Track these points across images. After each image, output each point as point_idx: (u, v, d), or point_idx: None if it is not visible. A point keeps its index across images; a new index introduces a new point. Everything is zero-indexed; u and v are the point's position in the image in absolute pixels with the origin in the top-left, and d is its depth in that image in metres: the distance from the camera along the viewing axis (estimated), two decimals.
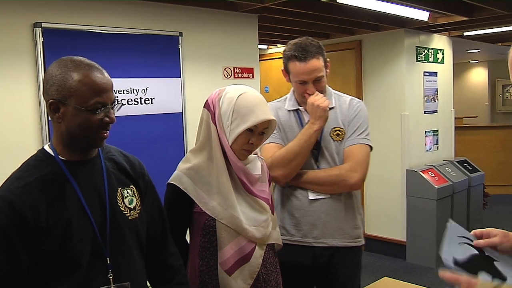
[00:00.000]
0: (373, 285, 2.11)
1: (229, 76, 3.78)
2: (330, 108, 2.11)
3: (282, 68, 2.13)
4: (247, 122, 1.63)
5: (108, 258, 1.38)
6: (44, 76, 1.36)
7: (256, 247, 1.72)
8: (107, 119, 1.35)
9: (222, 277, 1.67)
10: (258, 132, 1.69)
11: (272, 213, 1.81)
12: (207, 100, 1.73)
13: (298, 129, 2.10)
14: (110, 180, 1.44)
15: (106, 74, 1.37)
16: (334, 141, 2.09)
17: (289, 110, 2.16)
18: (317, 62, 2.02)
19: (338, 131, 2.10)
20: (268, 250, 1.78)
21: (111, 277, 1.37)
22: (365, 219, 2.26)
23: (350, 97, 2.21)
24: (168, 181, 1.70)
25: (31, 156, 1.40)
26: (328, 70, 2.11)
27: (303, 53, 2.00)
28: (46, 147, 1.40)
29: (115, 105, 1.39)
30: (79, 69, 1.31)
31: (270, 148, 2.07)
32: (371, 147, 2.11)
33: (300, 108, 2.14)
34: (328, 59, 2.10)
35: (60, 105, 1.31)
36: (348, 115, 2.12)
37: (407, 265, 4.83)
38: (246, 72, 3.89)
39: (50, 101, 1.31)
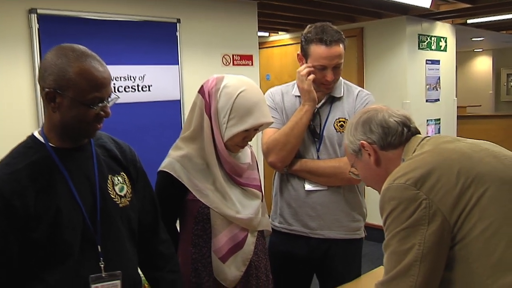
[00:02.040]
0: (370, 273, 2.10)
1: (228, 64, 3.75)
2: (338, 98, 2.08)
3: (299, 52, 2.07)
4: (245, 124, 1.61)
5: (99, 246, 1.37)
6: (42, 62, 1.33)
7: (248, 234, 1.71)
8: (102, 113, 1.34)
9: (216, 265, 1.66)
10: (253, 130, 1.68)
11: (262, 199, 1.80)
12: (202, 86, 1.69)
13: None
14: (101, 167, 1.43)
15: (106, 67, 1.34)
16: (337, 132, 2.05)
17: (296, 96, 2.12)
18: (339, 48, 1.98)
19: (342, 122, 2.05)
20: (258, 237, 1.77)
21: (102, 265, 1.36)
22: (366, 206, 2.24)
23: (360, 88, 2.16)
24: (160, 168, 1.68)
25: (21, 143, 1.39)
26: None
27: (327, 37, 1.95)
28: (36, 134, 1.38)
29: (111, 99, 1.36)
30: (79, 61, 1.28)
31: (268, 133, 2.05)
32: None
33: None
34: (345, 47, 2.04)
35: (57, 95, 1.28)
36: (354, 106, 2.07)
37: None
38: (245, 60, 3.86)
39: (47, 90, 1.29)
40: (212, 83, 1.66)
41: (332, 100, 2.09)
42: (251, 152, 1.83)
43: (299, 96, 2.09)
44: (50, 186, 1.30)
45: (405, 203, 1.17)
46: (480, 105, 9.13)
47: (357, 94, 2.11)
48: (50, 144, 1.35)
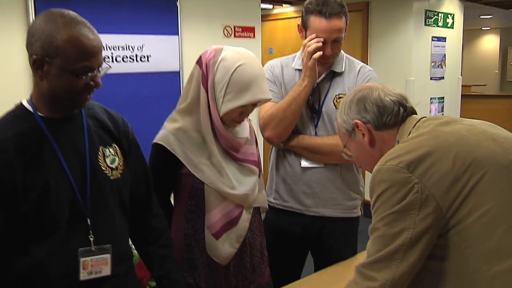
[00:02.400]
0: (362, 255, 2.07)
1: (229, 35, 3.67)
2: (339, 73, 2.01)
3: (299, 23, 2.00)
4: (242, 99, 1.55)
5: (88, 219, 1.34)
6: (30, 27, 1.27)
7: (243, 211, 1.67)
8: (92, 83, 1.28)
9: (209, 241, 1.63)
10: (251, 106, 1.62)
11: (259, 175, 1.76)
12: (200, 57, 1.63)
13: None
14: (92, 139, 1.38)
15: (97, 35, 1.28)
16: (337, 108, 1.98)
17: (296, 69, 2.05)
18: (340, 22, 1.89)
19: (342, 98, 1.99)
20: (253, 214, 1.74)
21: (91, 239, 1.33)
22: (364, 184, 2.20)
23: (362, 63, 2.09)
24: (154, 141, 1.63)
25: (8, 111, 1.34)
26: (345, 33, 1.97)
27: (328, 9, 1.87)
28: (24, 102, 1.34)
29: (102, 69, 1.31)
30: (68, 28, 1.22)
31: (266, 107, 1.99)
32: None
33: None
34: (348, 20, 1.96)
35: (44, 63, 1.23)
36: (356, 82, 2.00)
37: None
38: (247, 32, 3.77)
39: (34, 57, 1.23)
40: (211, 55, 1.60)
41: (333, 75, 2.03)
42: (250, 126, 1.78)
43: (299, 70, 2.03)
44: (38, 158, 1.26)
45: (396, 186, 1.13)
46: (485, 85, 9.02)
47: (359, 70, 2.04)
48: (39, 114, 1.31)
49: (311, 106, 2.00)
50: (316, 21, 1.89)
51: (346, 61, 2.06)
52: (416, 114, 1.36)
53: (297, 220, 2.07)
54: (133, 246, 1.58)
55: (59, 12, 1.26)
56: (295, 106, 1.93)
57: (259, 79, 1.57)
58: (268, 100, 1.64)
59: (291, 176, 2.05)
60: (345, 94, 1.99)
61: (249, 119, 1.80)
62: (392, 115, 1.32)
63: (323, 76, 2.01)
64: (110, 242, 1.37)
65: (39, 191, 1.25)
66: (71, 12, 1.27)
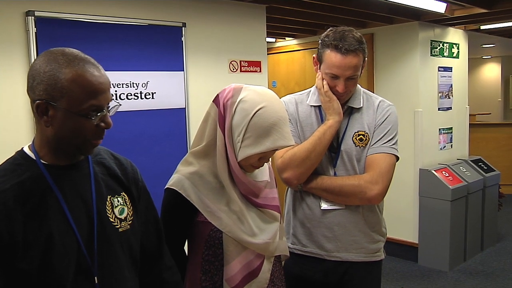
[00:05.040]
0: None
1: (235, 70, 3.59)
2: (357, 109, 1.91)
3: (315, 55, 1.91)
4: (262, 146, 1.42)
5: (95, 277, 1.21)
6: (30, 70, 1.17)
7: (264, 260, 1.54)
8: (103, 124, 1.19)
9: None
10: (271, 151, 1.49)
11: (281, 221, 1.63)
12: (218, 96, 1.51)
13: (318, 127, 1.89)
14: (99, 188, 1.27)
15: (103, 72, 1.19)
16: (356, 146, 1.88)
17: (311, 106, 1.95)
18: (356, 59, 1.78)
19: (361, 136, 1.88)
20: (275, 263, 1.60)
21: None
22: (385, 225, 2.06)
23: (381, 98, 1.98)
24: (167, 186, 1.51)
25: (8, 159, 1.23)
26: (363, 69, 1.87)
27: (345, 44, 1.76)
28: (26, 149, 1.23)
29: (111, 108, 1.21)
30: (72, 66, 1.13)
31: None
32: (397, 158, 1.89)
33: None
34: (366, 57, 1.86)
35: (49, 107, 1.13)
36: (375, 118, 1.90)
37: (419, 268, 4.64)
38: (253, 66, 3.69)
39: (38, 102, 1.13)
40: (229, 94, 1.47)
41: (351, 111, 1.93)
42: (269, 168, 1.66)
43: (315, 106, 1.93)
44: (41, 210, 1.15)
45: None
46: (490, 113, 8.96)
47: (378, 105, 1.93)
48: (42, 161, 1.20)
49: (330, 145, 1.88)
50: (332, 56, 1.80)
51: (364, 96, 1.96)
52: None
53: (318, 266, 1.93)
54: None
55: (60, 51, 1.17)
56: (319, 147, 1.82)
57: (280, 124, 1.44)
58: (290, 146, 1.51)
59: (310, 219, 1.91)
60: (364, 131, 1.89)
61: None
62: None
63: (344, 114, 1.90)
64: None
65: (41, 247, 1.13)
66: (73, 49, 1.19)
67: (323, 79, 1.87)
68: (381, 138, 1.88)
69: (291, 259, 1.93)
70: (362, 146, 1.88)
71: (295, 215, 1.97)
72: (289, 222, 2.00)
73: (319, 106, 1.93)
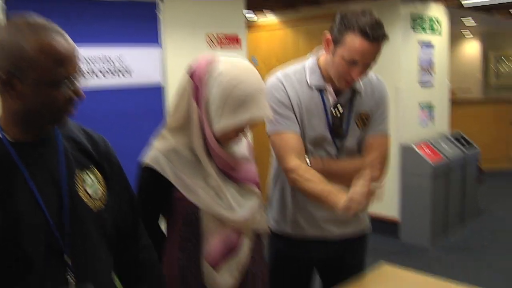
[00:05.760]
0: (373, 274, 1.93)
1: (214, 46, 3.51)
2: (358, 91, 1.84)
3: (328, 34, 1.73)
4: (239, 118, 1.37)
5: (67, 257, 1.16)
6: None
7: (245, 238, 1.50)
8: (74, 95, 1.14)
9: (207, 272, 1.46)
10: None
11: (259, 196, 1.59)
12: (192, 68, 1.45)
13: (323, 112, 1.80)
14: (69, 164, 1.21)
15: (69, 40, 1.13)
16: (359, 128, 1.84)
17: (312, 88, 1.81)
18: (380, 47, 1.68)
19: (364, 117, 1.84)
20: (256, 240, 1.57)
21: (70, 278, 1.15)
22: None
23: (373, 74, 1.90)
24: (142, 162, 1.46)
25: None
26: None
27: (373, 32, 1.63)
28: None
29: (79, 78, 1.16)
30: (38, 35, 1.07)
31: (288, 141, 1.76)
32: None
33: (326, 87, 1.80)
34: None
35: (15, 80, 1.07)
36: (373, 98, 1.86)
37: (402, 245, 4.68)
38: (232, 42, 3.62)
39: (1, 75, 1.07)
40: (204, 66, 1.42)
41: (354, 93, 1.85)
42: (247, 142, 1.61)
43: (317, 89, 1.81)
44: (7, 190, 1.10)
45: None
46: (471, 93, 9.03)
47: (375, 83, 1.89)
48: (7, 138, 1.14)
49: (335, 125, 1.82)
50: (356, 41, 1.63)
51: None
52: None
53: (320, 248, 1.93)
54: (119, 283, 1.40)
55: (24, 21, 1.10)
56: (317, 199, 1.73)
57: (257, 95, 1.39)
58: (267, 117, 1.44)
59: (311, 203, 1.84)
60: (366, 112, 1.84)
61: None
62: None
63: (347, 95, 1.83)
64: (92, 279, 1.20)
65: (8, 228, 1.08)
66: (38, 18, 1.12)
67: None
68: (380, 118, 1.88)
69: (291, 245, 1.93)
70: (363, 127, 1.85)
71: (294, 199, 1.90)
72: (285, 207, 1.92)
73: (320, 90, 1.82)
